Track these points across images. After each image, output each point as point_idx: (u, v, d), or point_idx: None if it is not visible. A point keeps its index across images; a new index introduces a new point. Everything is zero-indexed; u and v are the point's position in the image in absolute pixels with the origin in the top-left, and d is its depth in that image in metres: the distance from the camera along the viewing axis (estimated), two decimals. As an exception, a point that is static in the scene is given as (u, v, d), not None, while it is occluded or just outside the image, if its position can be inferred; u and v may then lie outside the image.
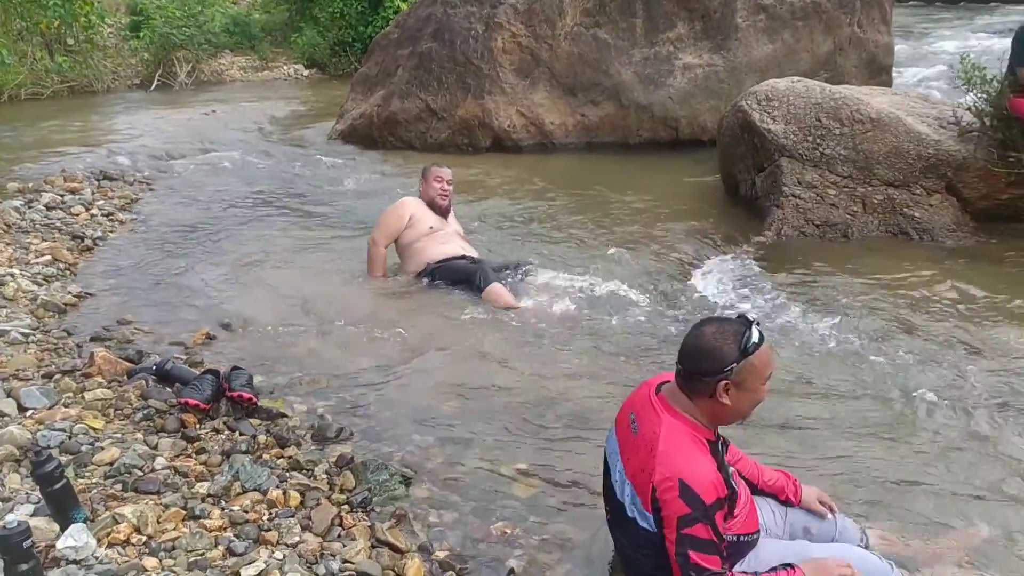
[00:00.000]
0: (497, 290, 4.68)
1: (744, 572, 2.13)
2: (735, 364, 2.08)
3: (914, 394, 3.56)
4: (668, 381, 2.25)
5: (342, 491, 2.79)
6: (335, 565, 2.38)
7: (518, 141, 8.43)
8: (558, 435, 3.30)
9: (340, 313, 4.49)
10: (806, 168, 5.85)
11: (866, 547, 2.38)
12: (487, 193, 7.03)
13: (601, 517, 2.77)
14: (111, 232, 5.97)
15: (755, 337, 2.10)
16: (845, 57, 8.57)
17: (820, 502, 2.48)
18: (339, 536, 2.55)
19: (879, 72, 8.85)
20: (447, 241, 5.02)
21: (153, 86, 13.62)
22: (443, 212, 5.15)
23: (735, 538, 2.16)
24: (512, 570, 2.50)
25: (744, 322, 2.14)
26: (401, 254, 5.10)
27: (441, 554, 2.52)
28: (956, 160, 5.68)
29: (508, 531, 2.68)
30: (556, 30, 8.25)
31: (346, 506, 2.71)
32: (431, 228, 5.01)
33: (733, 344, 2.09)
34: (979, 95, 5.77)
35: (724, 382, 2.08)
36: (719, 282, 5.12)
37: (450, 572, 2.44)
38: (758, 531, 2.25)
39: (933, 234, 5.59)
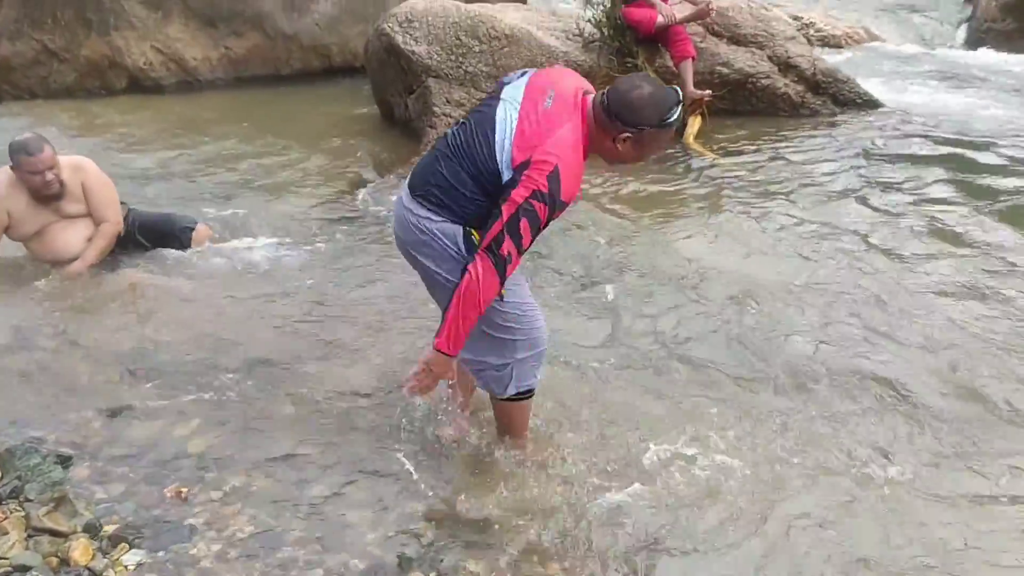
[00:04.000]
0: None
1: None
2: (648, 128, 2.31)
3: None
4: (590, 92, 2.43)
5: (-14, 486, 2.52)
6: (-15, 567, 2.17)
7: (158, 80, 7.80)
8: (230, 384, 3.21)
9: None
10: (453, 87, 6.06)
11: None
12: (124, 142, 6.40)
13: (280, 455, 2.80)
14: None
15: (676, 116, 2.33)
16: (481, -25, 8.87)
17: None
18: (-13, 535, 2.31)
19: (514, -12, 9.27)
20: (57, 238, 4.10)
21: None
22: (53, 199, 4.04)
23: None
24: (193, 527, 2.43)
25: (676, 99, 2.34)
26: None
27: (111, 528, 2.38)
28: (583, 69, 6.16)
29: (184, 491, 2.59)
30: (183, -44, 7.66)
31: (-7, 502, 2.46)
32: (37, 232, 4.07)
33: (656, 113, 2.30)
34: (597, 8, 6.30)
35: (630, 137, 2.32)
36: (386, 206, 5.21)
37: (122, 544, 2.32)
38: None
39: (571, 139, 6.08)
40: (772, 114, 6.48)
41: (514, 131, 2.33)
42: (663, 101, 2.32)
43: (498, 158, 2.32)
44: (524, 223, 2.26)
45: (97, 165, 4.25)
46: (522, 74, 2.49)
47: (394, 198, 5.11)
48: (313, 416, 3.00)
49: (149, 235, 4.37)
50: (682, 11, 6.15)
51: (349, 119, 7.03)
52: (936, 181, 5.18)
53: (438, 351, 2.39)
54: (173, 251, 4.36)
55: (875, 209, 4.80)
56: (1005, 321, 3.60)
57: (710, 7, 6.13)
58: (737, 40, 6.56)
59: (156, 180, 5.62)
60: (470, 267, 2.31)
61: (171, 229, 4.39)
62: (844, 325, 3.60)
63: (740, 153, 5.79)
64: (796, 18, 8.90)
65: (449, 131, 2.54)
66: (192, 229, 4.40)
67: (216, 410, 3.05)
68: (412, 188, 2.51)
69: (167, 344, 3.52)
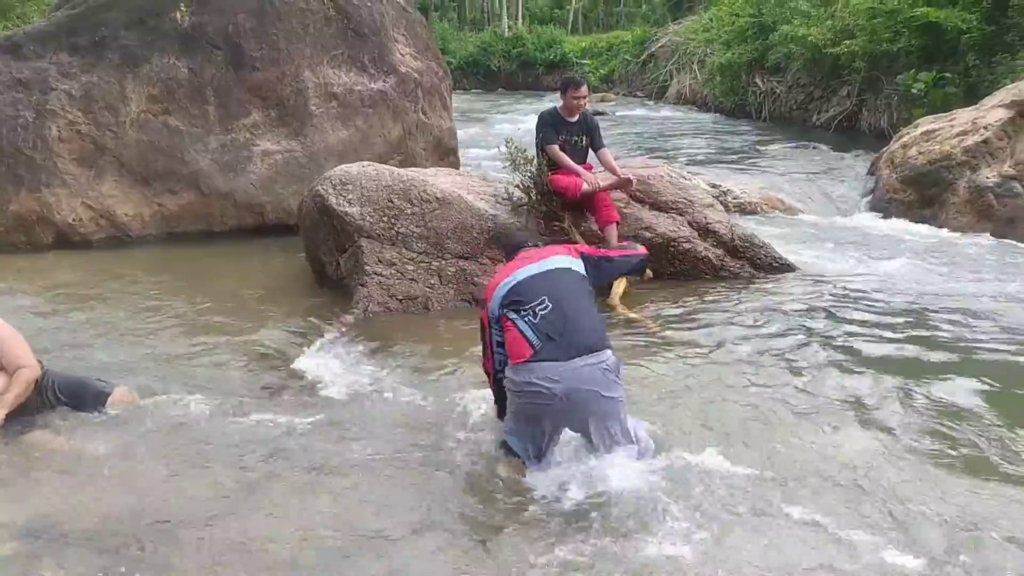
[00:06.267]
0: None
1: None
2: None
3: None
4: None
5: None
6: None
7: (87, 236, 7.78)
8: (141, 555, 3.05)
9: None
10: (385, 247, 6.17)
11: None
12: (44, 300, 6.27)
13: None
14: None
15: None
16: (415, 141, 9.24)
17: None
18: None
19: (447, 154, 9.67)
20: None
21: None
22: None
23: None
24: None
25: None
26: None
27: None
28: (512, 231, 6.38)
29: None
30: (120, 117, 7.82)
31: None
32: None
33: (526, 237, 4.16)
34: (524, 173, 6.58)
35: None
36: (318, 363, 5.15)
37: None
38: None
39: (501, 299, 6.19)
40: (695, 276, 6.72)
41: (570, 257, 3.67)
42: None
43: (579, 269, 3.63)
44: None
45: (9, 322, 4.16)
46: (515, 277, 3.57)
47: (320, 358, 5.21)
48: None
49: (66, 395, 4.22)
50: (606, 179, 6.47)
51: (280, 276, 7.06)
52: (849, 337, 5.40)
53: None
54: (89, 413, 4.21)
55: (793, 366, 4.94)
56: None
57: (631, 180, 6.46)
58: (659, 206, 6.88)
59: (77, 337, 5.49)
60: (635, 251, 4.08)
61: (86, 393, 4.25)
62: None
63: (665, 313, 5.96)
64: (714, 186, 9.43)
65: (532, 321, 3.40)
66: (108, 395, 4.27)
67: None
68: (566, 353, 3.32)
69: (73, 512, 3.35)
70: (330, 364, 5.15)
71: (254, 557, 3.06)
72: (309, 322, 5.83)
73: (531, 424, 3.48)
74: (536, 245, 3.80)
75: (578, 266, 3.58)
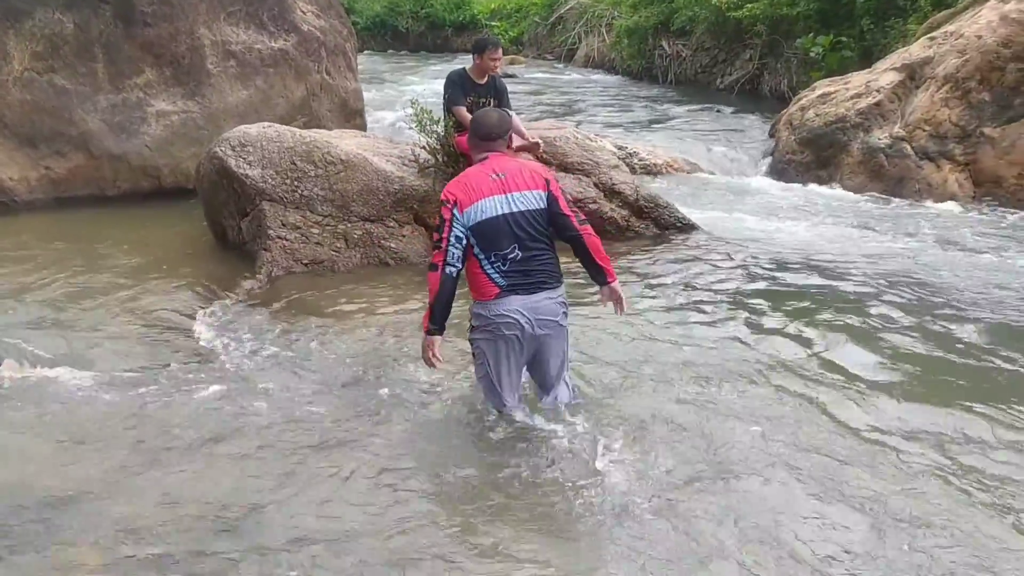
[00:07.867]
0: None
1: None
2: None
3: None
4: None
5: None
6: None
7: (-32, 201, 7.35)
8: (23, 532, 2.95)
9: None
10: (288, 210, 6.03)
11: None
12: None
13: None
14: None
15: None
16: (319, 102, 9.01)
17: None
18: None
19: (353, 116, 9.46)
20: None
21: None
22: None
23: None
24: None
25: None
26: None
27: None
28: (419, 193, 6.33)
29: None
30: (2, 76, 7.35)
31: None
32: None
33: (507, 114, 4.23)
34: (431, 135, 6.50)
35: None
36: (219, 331, 5.03)
37: None
38: None
39: (408, 261, 6.15)
40: (600, 236, 6.77)
41: (529, 188, 3.60)
42: (499, 109, 4.46)
43: (541, 205, 3.61)
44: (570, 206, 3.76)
45: None
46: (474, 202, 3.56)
47: (221, 325, 5.08)
48: (119, 564, 2.77)
49: None
50: (513, 141, 6.44)
51: (180, 241, 6.83)
52: (747, 289, 5.68)
53: (613, 281, 3.79)
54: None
55: (696, 317, 5.16)
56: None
57: (539, 143, 6.46)
58: (565, 167, 6.91)
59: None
60: (586, 232, 3.69)
61: None
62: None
63: (571, 269, 6.01)
64: (620, 148, 9.53)
65: (502, 268, 3.56)
66: None
67: (6, 562, 2.76)
68: (530, 289, 3.58)
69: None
70: (232, 331, 5.03)
71: (147, 530, 2.99)
72: (209, 288, 5.67)
73: (509, 353, 3.66)
74: (506, 143, 3.79)
75: (543, 202, 3.61)
